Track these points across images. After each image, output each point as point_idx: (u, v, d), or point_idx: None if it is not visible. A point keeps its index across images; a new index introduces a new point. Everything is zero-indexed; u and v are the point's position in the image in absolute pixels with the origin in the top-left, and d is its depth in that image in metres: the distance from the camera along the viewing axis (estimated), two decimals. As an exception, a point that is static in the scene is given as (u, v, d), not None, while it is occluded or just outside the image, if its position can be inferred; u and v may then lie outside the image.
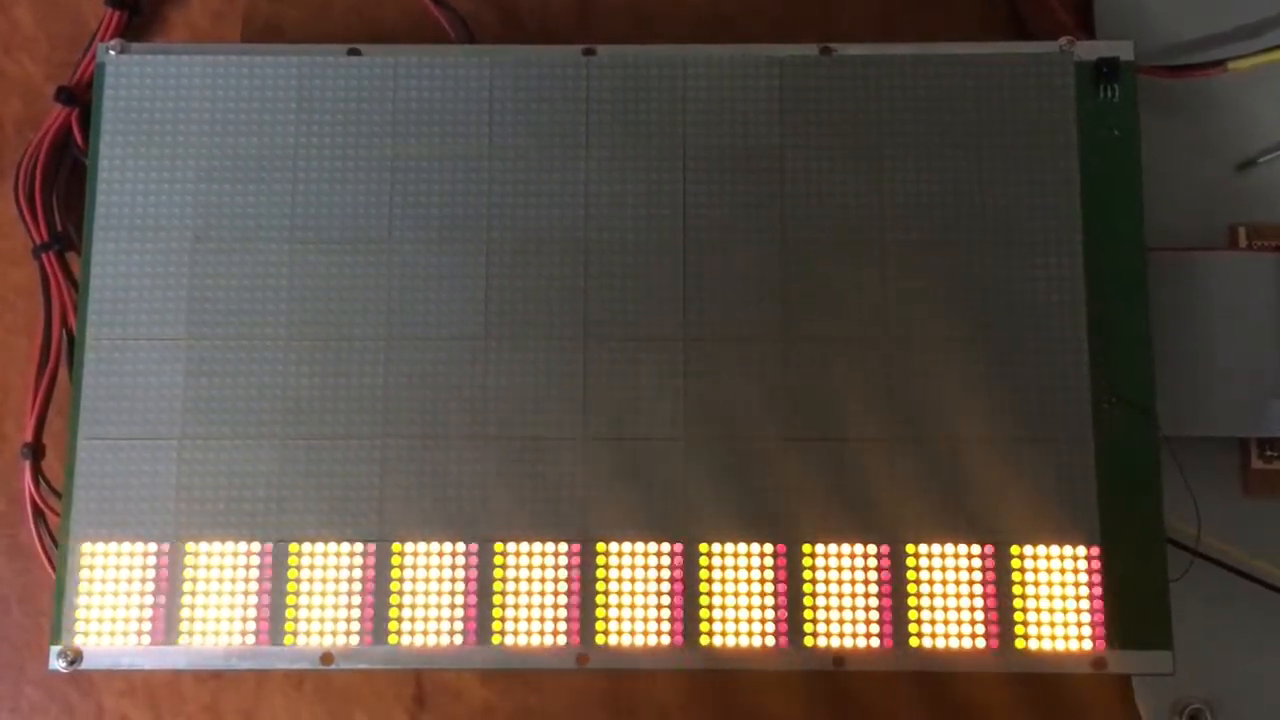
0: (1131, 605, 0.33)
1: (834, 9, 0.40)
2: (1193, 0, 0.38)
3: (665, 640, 0.33)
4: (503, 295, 0.34)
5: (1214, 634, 0.35)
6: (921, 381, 0.34)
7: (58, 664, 0.33)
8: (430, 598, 0.33)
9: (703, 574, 0.33)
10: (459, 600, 0.33)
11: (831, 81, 0.36)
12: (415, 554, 0.33)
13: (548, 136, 0.35)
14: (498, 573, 0.33)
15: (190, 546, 0.33)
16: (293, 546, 0.33)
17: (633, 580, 0.33)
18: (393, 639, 0.33)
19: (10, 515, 0.37)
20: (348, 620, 0.33)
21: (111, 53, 0.36)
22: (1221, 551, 0.35)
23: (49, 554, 0.35)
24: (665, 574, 0.33)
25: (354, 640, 0.33)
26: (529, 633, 0.33)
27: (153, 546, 0.33)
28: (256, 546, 0.33)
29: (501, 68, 0.36)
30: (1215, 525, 0.35)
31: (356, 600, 0.33)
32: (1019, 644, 0.32)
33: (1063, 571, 0.33)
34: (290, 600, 0.33)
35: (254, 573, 0.33)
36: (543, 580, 0.33)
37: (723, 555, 0.33)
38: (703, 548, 0.33)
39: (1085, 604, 0.33)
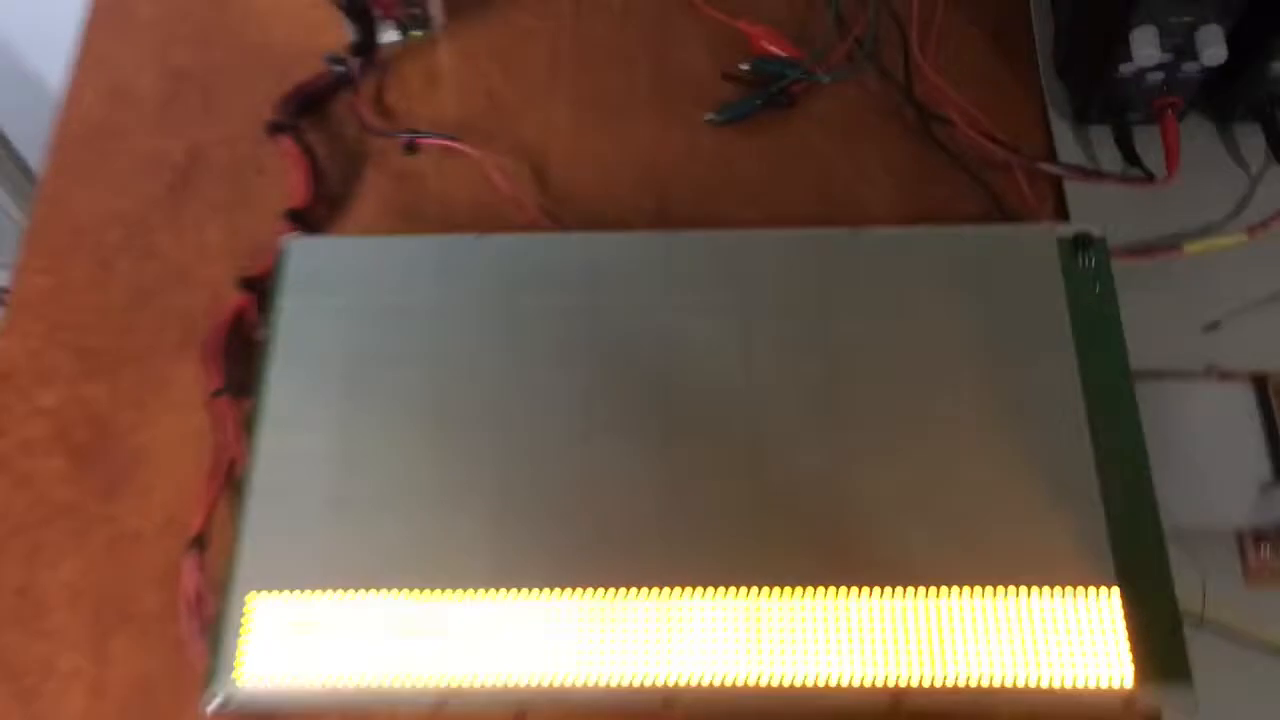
0: (1152, 644, 0.37)
1: (860, 204, 0.49)
2: (1149, 201, 0.48)
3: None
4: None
5: (1231, 700, 0.39)
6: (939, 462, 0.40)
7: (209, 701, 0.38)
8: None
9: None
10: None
11: (860, 257, 0.45)
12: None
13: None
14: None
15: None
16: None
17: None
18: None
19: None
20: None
21: (292, 240, 0.46)
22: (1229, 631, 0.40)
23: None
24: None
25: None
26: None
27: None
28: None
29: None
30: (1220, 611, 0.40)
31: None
32: (1050, 684, 0.37)
33: (1086, 613, 0.38)
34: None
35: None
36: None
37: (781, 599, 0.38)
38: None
39: (1110, 644, 0.37)
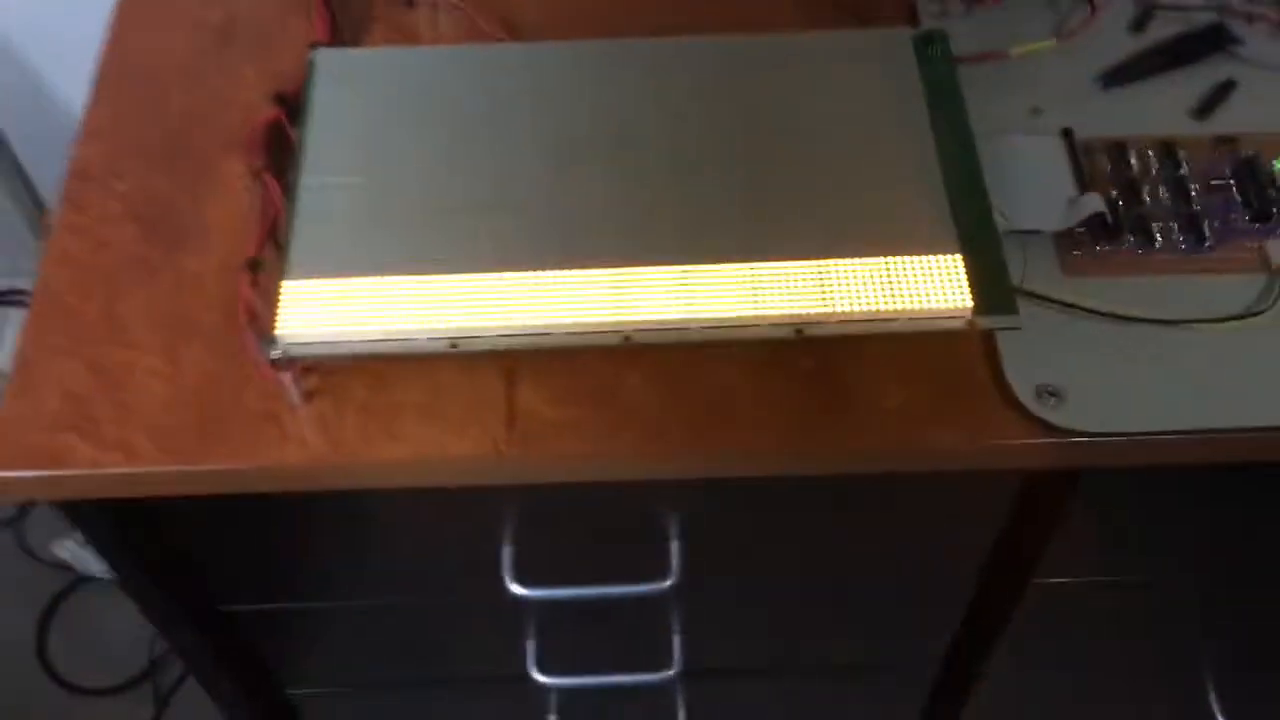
0: (986, 281, 0.50)
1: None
2: (984, 25, 0.62)
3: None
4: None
5: (1066, 350, 0.52)
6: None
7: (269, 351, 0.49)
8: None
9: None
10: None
11: (761, 53, 0.58)
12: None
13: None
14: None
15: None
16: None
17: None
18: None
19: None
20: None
21: (320, 50, 0.59)
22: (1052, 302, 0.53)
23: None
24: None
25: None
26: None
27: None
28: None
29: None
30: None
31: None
32: (912, 306, 0.49)
33: (939, 267, 0.50)
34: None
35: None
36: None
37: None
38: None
39: (955, 285, 0.50)
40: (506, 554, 0.62)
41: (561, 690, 0.72)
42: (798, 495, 0.60)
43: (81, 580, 1.19)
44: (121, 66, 0.64)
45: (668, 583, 0.61)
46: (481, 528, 0.61)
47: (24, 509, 1.22)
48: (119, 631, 1.16)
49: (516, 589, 0.61)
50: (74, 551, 1.18)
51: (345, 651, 0.73)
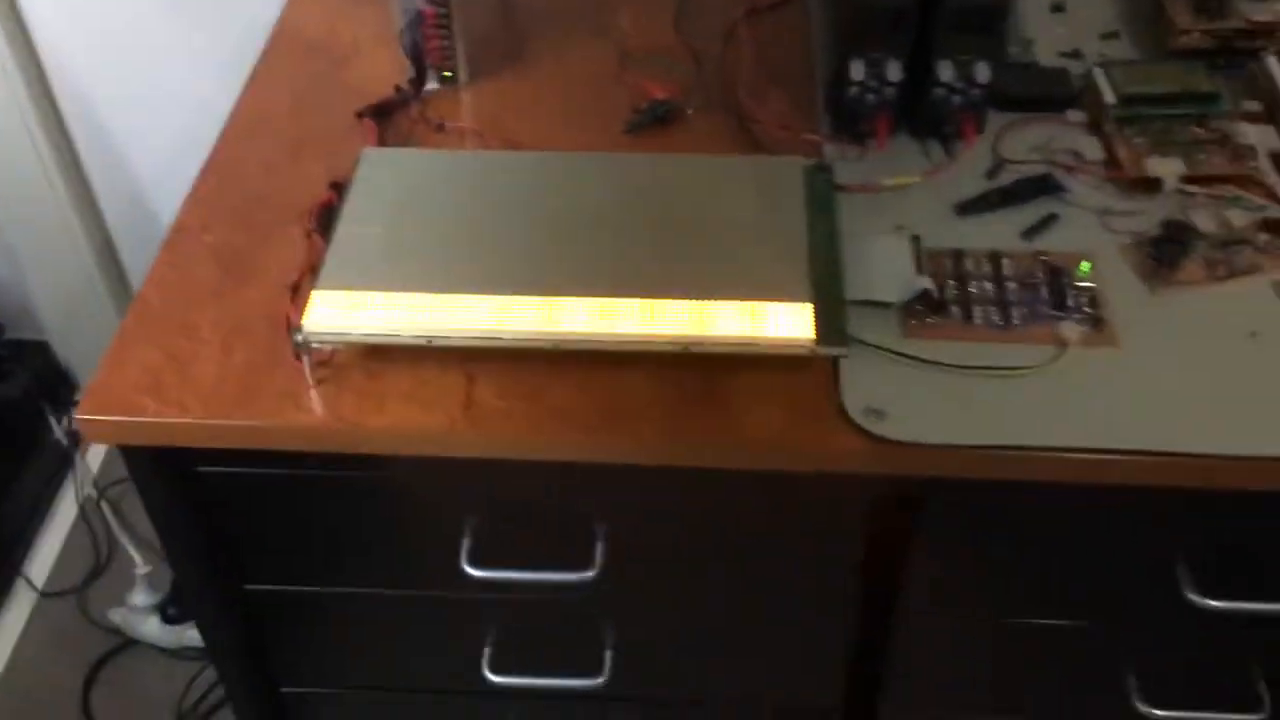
0: (828, 325, 0.67)
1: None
2: (869, 165, 0.81)
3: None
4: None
5: (891, 385, 0.68)
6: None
7: (296, 337, 0.67)
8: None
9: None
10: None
11: (689, 167, 0.78)
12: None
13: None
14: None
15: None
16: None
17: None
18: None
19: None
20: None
21: (366, 150, 0.79)
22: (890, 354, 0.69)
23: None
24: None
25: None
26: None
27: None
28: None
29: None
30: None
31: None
32: (770, 335, 0.66)
33: (792, 313, 0.67)
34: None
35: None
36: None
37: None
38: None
39: (805, 325, 0.67)
40: (465, 545, 0.77)
41: (514, 692, 0.86)
42: (691, 504, 0.75)
43: (128, 644, 1.34)
44: (222, 163, 0.86)
45: (590, 574, 0.76)
46: (444, 519, 0.78)
47: (89, 579, 1.40)
48: (153, 690, 1.31)
49: (471, 570, 0.76)
50: (125, 618, 1.34)
51: (333, 645, 0.88)
